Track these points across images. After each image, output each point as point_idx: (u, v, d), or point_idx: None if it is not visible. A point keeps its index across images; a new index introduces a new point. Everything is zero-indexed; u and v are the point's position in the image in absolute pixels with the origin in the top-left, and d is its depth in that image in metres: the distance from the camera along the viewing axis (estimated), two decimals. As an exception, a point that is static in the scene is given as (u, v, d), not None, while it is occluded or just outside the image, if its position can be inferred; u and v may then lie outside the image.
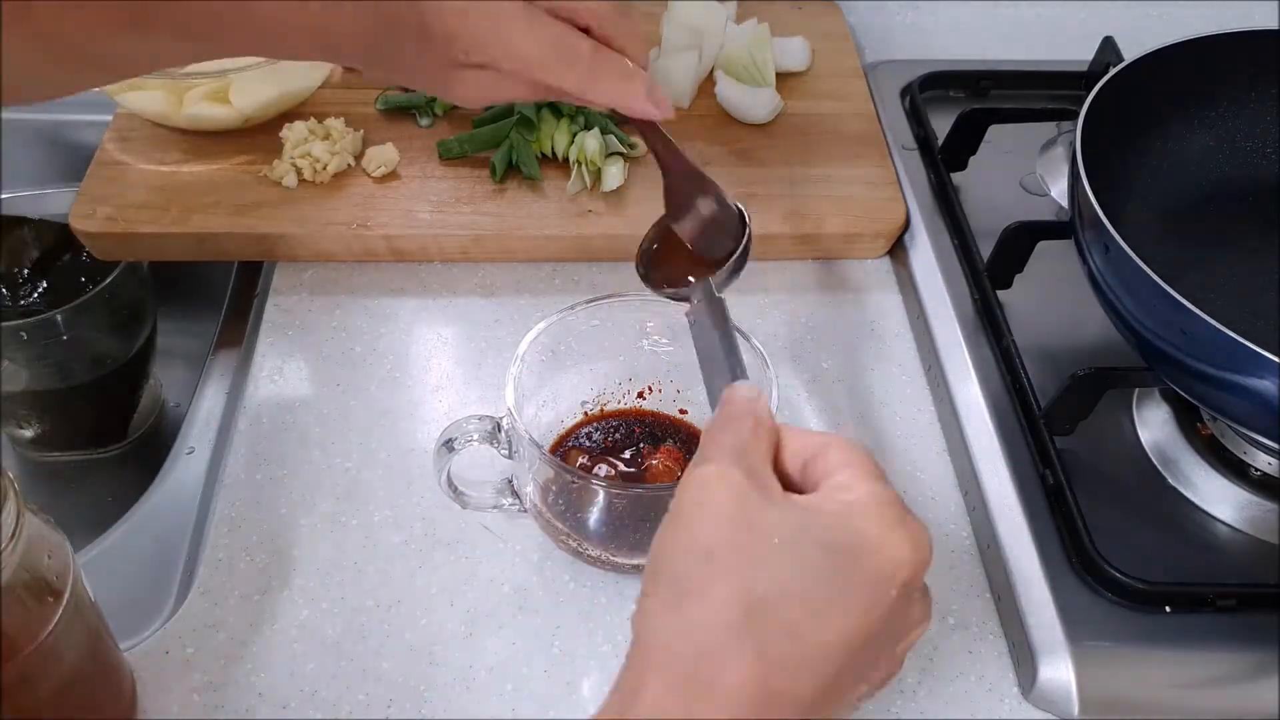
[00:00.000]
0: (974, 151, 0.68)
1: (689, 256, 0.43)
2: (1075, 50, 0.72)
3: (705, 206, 0.43)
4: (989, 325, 0.58)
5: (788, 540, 0.30)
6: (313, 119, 0.65)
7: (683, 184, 0.42)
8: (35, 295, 0.69)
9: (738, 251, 0.44)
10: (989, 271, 0.59)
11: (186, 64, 0.41)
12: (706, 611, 0.30)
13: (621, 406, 0.53)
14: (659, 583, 0.31)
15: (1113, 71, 0.53)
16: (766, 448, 0.33)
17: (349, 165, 0.64)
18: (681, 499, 0.32)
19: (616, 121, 0.66)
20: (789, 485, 0.33)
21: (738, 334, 0.41)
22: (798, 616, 0.29)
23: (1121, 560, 0.46)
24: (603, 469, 0.50)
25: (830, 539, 0.31)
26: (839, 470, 0.32)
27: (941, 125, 0.68)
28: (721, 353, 0.38)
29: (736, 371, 0.37)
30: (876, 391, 0.57)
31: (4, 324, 0.62)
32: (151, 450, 0.71)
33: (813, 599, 0.30)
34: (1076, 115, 0.51)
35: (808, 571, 0.30)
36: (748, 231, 0.43)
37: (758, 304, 0.61)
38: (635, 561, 0.47)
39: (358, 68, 0.41)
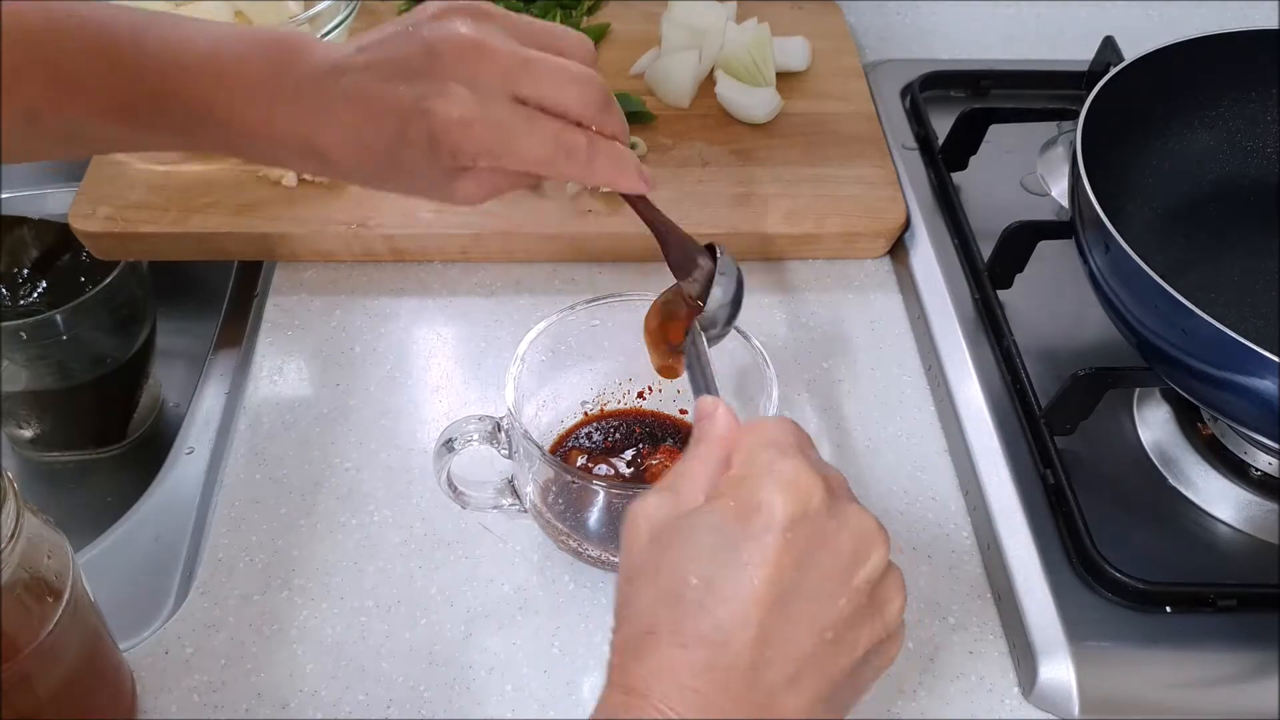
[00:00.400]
0: (974, 151, 0.68)
1: (692, 310, 0.46)
2: (1076, 50, 0.72)
3: (704, 261, 0.46)
4: (989, 325, 0.58)
5: (684, 536, 0.32)
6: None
7: (681, 245, 0.46)
8: (35, 295, 0.69)
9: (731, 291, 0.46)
10: (989, 271, 0.59)
11: (172, 152, 0.42)
12: (632, 627, 0.32)
13: (621, 406, 0.53)
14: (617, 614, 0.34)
15: (1113, 71, 0.53)
16: (701, 462, 0.34)
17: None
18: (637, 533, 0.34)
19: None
20: None
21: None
22: (699, 595, 0.30)
23: (1122, 560, 0.46)
24: (603, 469, 0.50)
25: (716, 515, 0.32)
26: (735, 460, 0.34)
27: (942, 125, 0.68)
28: (700, 379, 0.41)
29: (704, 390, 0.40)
30: (877, 391, 0.57)
31: (4, 324, 0.62)
32: (151, 450, 0.71)
33: (708, 574, 0.31)
34: (1077, 115, 0.51)
35: (700, 552, 0.31)
36: (738, 276, 0.46)
37: (758, 304, 0.61)
38: (635, 561, 0.47)
39: (347, 180, 0.43)
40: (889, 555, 0.33)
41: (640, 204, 0.45)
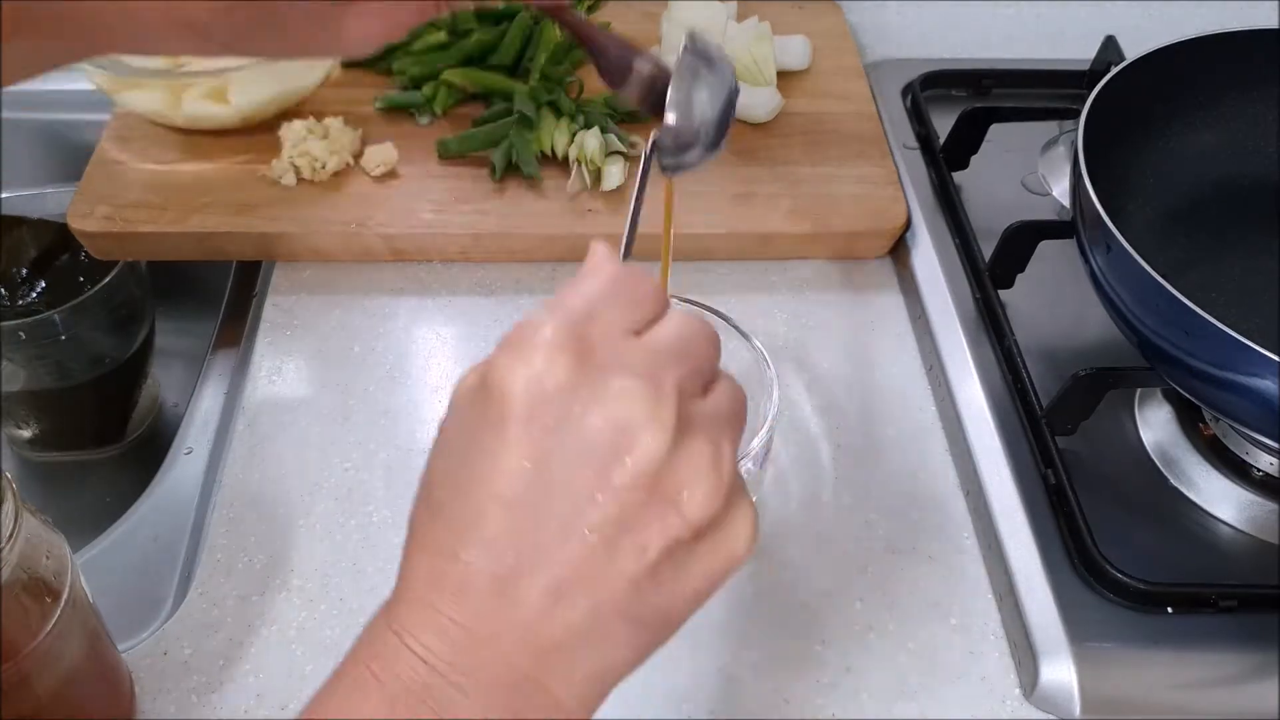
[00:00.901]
0: (975, 150, 0.67)
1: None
2: (1077, 49, 0.72)
3: (642, 65, 0.39)
4: (991, 325, 0.58)
5: (446, 423, 0.29)
6: (311, 118, 0.65)
7: (615, 50, 0.39)
8: (33, 295, 0.69)
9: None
10: (990, 271, 0.59)
11: (52, 68, 0.39)
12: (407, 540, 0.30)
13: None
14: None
15: (1114, 70, 0.53)
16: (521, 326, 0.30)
17: (348, 164, 0.64)
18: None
19: (617, 120, 0.66)
20: None
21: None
22: (442, 497, 0.28)
23: (1123, 561, 0.46)
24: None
25: (464, 398, 0.29)
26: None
27: (943, 124, 0.68)
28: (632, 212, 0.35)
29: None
30: (878, 391, 0.57)
31: (2, 324, 0.62)
32: (150, 450, 0.71)
33: (450, 470, 0.28)
34: (1078, 114, 0.51)
35: (448, 444, 0.29)
36: (727, 87, 0.39)
37: (759, 303, 0.61)
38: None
39: (230, 51, 0.39)
40: (668, 435, 0.27)
41: (563, 14, 0.39)
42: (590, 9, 0.77)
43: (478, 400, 0.28)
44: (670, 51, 0.71)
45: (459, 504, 0.27)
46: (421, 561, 0.28)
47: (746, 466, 0.45)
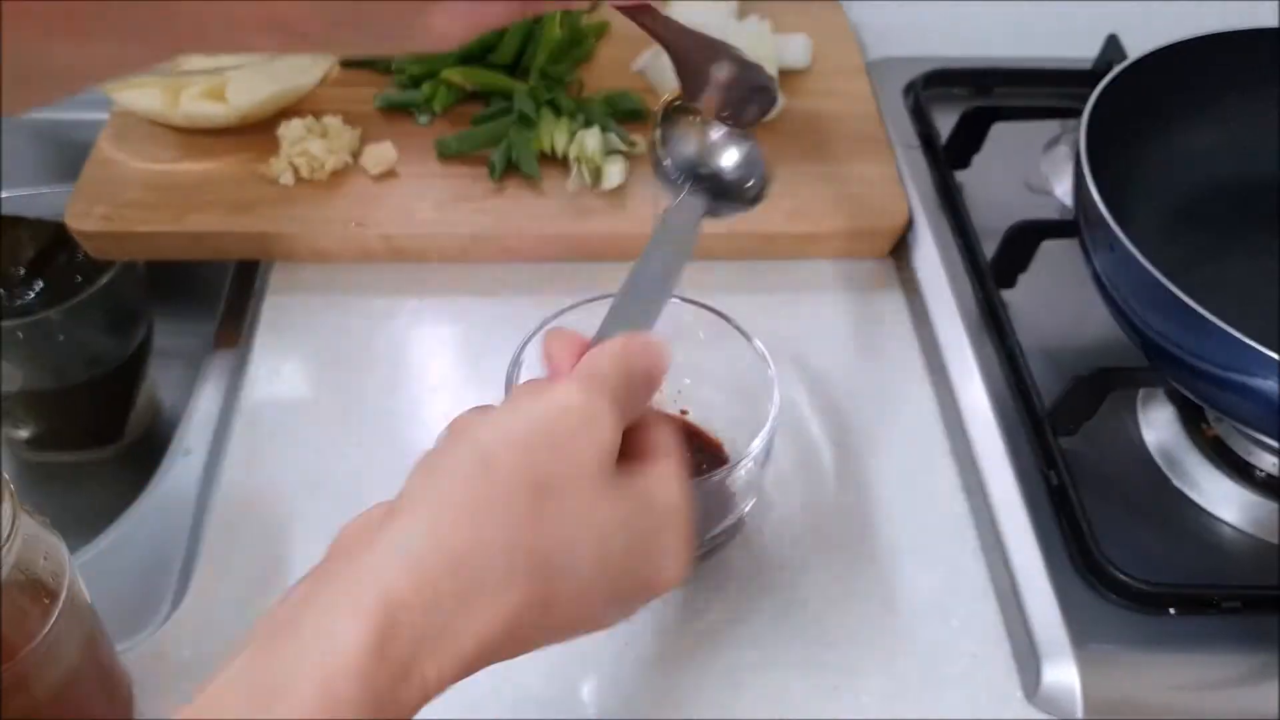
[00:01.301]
0: (977, 150, 0.67)
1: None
2: (1079, 48, 0.72)
3: (721, 71, 0.39)
4: (992, 325, 0.58)
5: (607, 529, 0.31)
6: (310, 116, 0.65)
7: (693, 53, 0.39)
8: (31, 295, 0.68)
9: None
10: (993, 271, 0.59)
11: (120, 75, 0.38)
12: (494, 541, 0.30)
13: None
14: (472, 478, 0.31)
15: (1117, 69, 0.53)
16: (634, 419, 0.34)
17: (347, 163, 0.64)
18: (559, 413, 0.32)
19: (617, 119, 0.66)
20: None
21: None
22: (563, 595, 0.30)
23: (1125, 562, 0.46)
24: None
25: (632, 539, 0.32)
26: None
27: (945, 123, 0.68)
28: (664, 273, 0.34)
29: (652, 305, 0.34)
30: (879, 392, 0.57)
31: (0, 324, 0.62)
32: (148, 451, 0.70)
33: (587, 587, 0.30)
34: (1081, 113, 0.50)
35: (601, 563, 0.31)
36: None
37: (760, 303, 0.61)
38: (636, 563, 0.46)
39: (315, 49, 0.39)
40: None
41: (645, 16, 0.38)
42: (591, 6, 0.76)
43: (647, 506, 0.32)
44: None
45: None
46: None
47: (748, 466, 0.45)
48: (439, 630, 0.28)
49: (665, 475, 0.33)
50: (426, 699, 0.28)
